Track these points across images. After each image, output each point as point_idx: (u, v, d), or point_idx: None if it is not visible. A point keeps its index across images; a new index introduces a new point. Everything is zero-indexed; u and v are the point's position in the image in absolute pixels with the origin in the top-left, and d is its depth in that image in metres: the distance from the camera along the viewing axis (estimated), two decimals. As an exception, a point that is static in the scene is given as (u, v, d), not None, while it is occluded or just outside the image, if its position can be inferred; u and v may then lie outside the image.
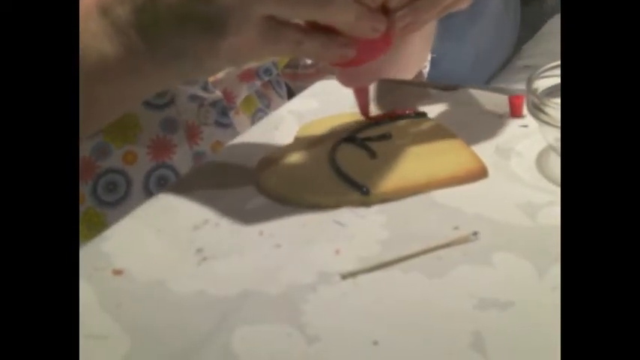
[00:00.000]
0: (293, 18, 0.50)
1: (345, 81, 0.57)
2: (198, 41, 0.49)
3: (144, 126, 0.69)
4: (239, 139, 0.63)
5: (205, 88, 0.70)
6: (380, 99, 0.65)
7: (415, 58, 0.79)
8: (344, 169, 0.52)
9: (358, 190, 0.51)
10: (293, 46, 0.50)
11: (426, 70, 0.84)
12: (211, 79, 0.71)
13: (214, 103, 0.72)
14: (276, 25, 0.49)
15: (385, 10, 0.52)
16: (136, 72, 0.53)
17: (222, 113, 0.72)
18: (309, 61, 0.82)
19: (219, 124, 0.72)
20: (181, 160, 0.70)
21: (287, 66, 0.82)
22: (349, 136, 0.56)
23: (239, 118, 0.75)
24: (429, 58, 0.84)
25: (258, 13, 0.48)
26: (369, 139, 0.56)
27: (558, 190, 0.50)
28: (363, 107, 0.59)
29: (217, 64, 0.54)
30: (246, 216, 0.51)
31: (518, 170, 0.53)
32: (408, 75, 0.79)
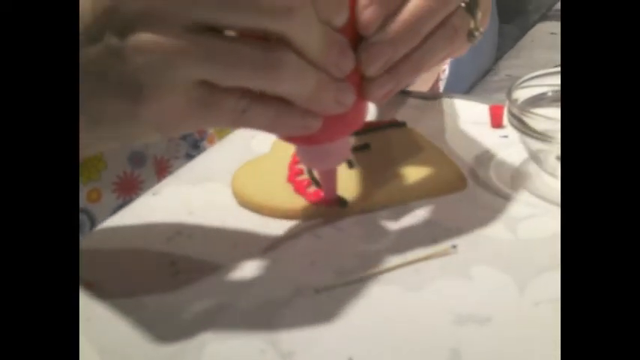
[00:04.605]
0: (231, 84, 0.40)
1: (309, 161, 0.47)
2: (112, 105, 0.41)
3: (109, 161, 0.63)
4: (215, 148, 0.62)
5: None
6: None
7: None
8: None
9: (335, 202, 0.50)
10: (235, 116, 0.40)
11: (444, 75, 0.77)
12: None
13: (185, 137, 0.67)
14: (210, 90, 0.39)
15: (355, 78, 0.43)
16: None
17: (194, 146, 0.68)
18: None
19: (190, 157, 0.67)
20: None
21: None
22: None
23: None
24: (447, 62, 0.77)
25: (185, 76, 0.39)
26: (348, 149, 0.55)
27: (539, 202, 0.49)
28: (330, 192, 0.49)
29: (140, 132, 0.43)
30: (221, 227, 0.50)
31: (498, 181, 0.52)
32: (424, 87, 0.74)
